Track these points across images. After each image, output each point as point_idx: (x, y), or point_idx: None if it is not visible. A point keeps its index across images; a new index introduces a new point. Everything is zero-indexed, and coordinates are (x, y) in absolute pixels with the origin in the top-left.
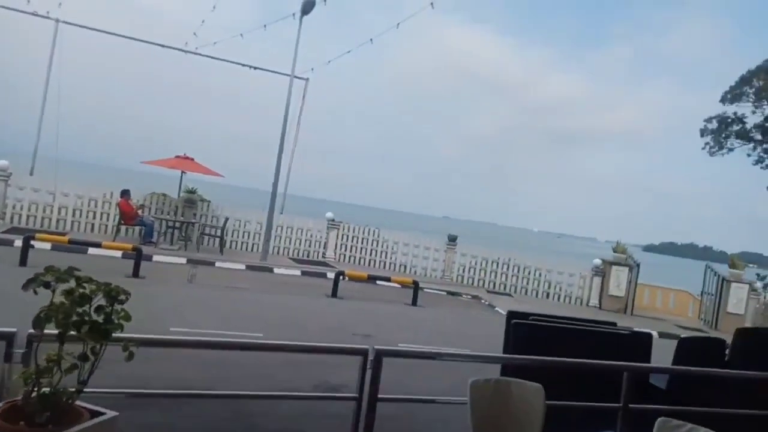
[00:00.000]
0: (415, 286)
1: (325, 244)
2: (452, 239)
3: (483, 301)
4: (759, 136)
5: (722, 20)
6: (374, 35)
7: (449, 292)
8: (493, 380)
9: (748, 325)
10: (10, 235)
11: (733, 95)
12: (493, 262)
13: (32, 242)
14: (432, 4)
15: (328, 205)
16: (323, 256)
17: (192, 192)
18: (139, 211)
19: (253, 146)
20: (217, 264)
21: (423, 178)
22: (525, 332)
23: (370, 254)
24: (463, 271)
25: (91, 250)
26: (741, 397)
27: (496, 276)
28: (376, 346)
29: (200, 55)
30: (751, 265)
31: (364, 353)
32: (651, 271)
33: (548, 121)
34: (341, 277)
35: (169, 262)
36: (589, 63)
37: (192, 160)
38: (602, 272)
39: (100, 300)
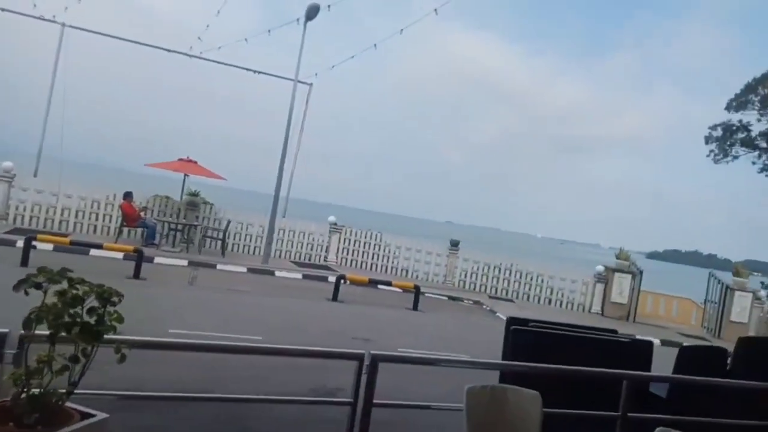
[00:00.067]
0: (417, 291)
1: (327, 247)
2: (454, 244)
3: (484, 306)
4: (764, 144)
5: (728, 29)
6: (378, 41)
7: (451, 297)
8: (490, 387)
9: (751, 334)
10: (12, 235)
11: (738, 103)
12: (495, 268)
13: (34, 243)
14: (436, 10)
15: (331, 209)
16: (325, 260)
17: (195, 195)
18: (142, 213)
19: (256, 150)
20: (219, 266)
21: (426, 183)
22: (524, 339)
23: (372, 258)
24: (465, 276)
25: (93, 252)
26: (742, 407)
27: (498, 281)
28: (372, 351)
29: (204, 59)
30: (755, 274)
31: (360, 358)
32: (654, 279)
33: (553, 128)
34: (342, 281)
35: (171, 264)
36: (595, 71)
37: (195, 163)
38: (605, 279)
39: (93, 301)
